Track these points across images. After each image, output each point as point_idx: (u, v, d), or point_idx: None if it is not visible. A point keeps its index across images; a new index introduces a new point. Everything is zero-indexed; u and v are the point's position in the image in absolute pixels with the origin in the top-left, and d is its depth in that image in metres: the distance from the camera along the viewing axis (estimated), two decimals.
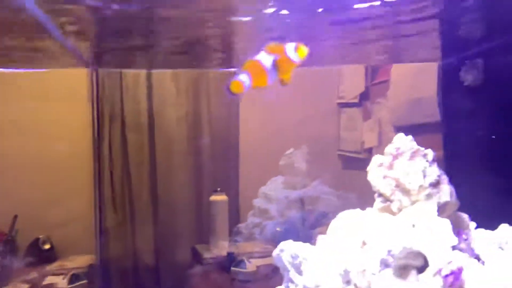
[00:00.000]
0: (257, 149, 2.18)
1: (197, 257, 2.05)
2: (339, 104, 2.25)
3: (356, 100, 2.13)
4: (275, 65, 0.66)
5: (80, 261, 2.01)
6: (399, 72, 1.87)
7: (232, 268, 1.86)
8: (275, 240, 0.99)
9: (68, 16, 0.89)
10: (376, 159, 0.81)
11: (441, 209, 0.77)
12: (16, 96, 1.86)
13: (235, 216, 2.09)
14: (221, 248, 1.97)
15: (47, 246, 2.07)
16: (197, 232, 2.22)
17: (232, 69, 1.91)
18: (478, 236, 0.79)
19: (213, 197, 2.07)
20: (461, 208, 0.79)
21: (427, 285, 0.66)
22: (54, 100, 1.90)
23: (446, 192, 0.77)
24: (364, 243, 0.75)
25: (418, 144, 0.79)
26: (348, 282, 0.73)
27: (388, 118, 1.89)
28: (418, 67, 1.67)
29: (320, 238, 0.92)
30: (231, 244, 1.96)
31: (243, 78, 0.66)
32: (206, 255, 2.02)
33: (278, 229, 0.97)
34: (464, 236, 0.79)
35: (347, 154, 1.97)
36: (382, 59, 1.71)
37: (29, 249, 2.04)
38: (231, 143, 2.21)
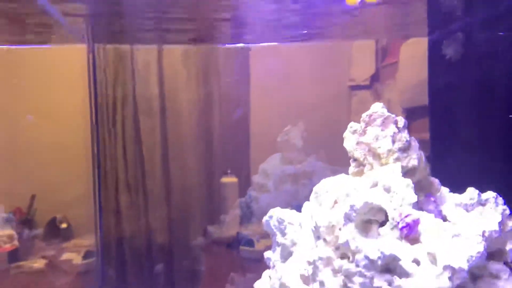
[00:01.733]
0: (267, 131, 2.27)
1: (208, 237, 2.18)
2: (350, 87, 2.32)
3: (367, 83, 2.20)
4: None
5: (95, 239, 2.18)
6: (407, 53, 1.92)
7: (241, 247, 1.99)
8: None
9: None
10: (350, 126, 0.90)
11: (411, 173, 0.86)
12: (26, 76, 2.00)
13: (245, 201, 2.20)
14: (231, 228, 2.10)
15: (63, 225, 2.26)
16: (209, 213, 2.35)
17: (242, 44, 2.01)
18: (448, 199, 0.87)
19: (224, 179, 2.19)
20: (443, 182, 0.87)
21: (386, 237, 0.76)
22: (64, 80, 2.04)
23: (414, 157, 0.86)
24: (335, 202, 0.85)
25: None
26: (318, 237, 0.84)
27: (397, 100, 1.95)
28: (426, 49, 1.72)
29: (304, 204, 1.03)
30: (241, 224, 2.09)
31: None
32: (217, 235, 2.14)
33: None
34: (432, 199, 0.88)
35: None
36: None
37: (46, 228, 2.23)
38: (241, 126, 2.32)
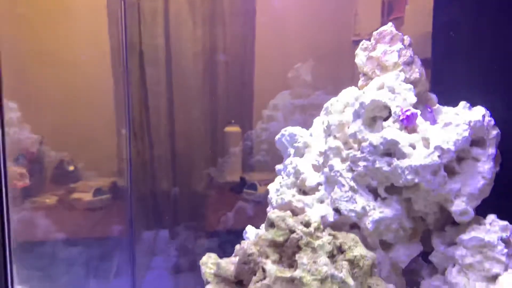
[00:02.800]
0: (271, 82, 2.40)
1: (212, 183, 2.35)
2: (354, 41, 2.46)
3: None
4: None
5: (103, 181, 2.35)
6: (413, 8, 2.06)
7: (244, 190, 2.16)
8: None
9: None
10: (362, 43, 1.07)
11: (413, 84, 1.03)
12: (38, 23, 2.08)
13: (249, 146, 2.36)
14: (234, 174, 2.27)
15: (71, 168, 2.42)
16: (212, 162, 2.50)
17: None
18: (444, 111, 1.05)
19: (227, 128, 2.34)
20: None
21: (388, 128, 0.93)
22: (75, 21, 2.12)
23: (416, 71, 1.02)
24: (344, 107, 1.02)
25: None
26: (329, 135, 1.01)
27: None
28: (431, 4, 1.86)
29: (314, 120, 1.20)
30: (244, 171, 2.25)
31: None
32: (221, 180, 2.31)
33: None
34: (429, 109, 1.05)
35: None
36: None
37: (54, 170, 2.38)
38: (246, 76, 2.44)
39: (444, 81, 1.34)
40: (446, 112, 1.04)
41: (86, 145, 2.36)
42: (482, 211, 0.97)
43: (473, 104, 1.04)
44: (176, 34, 2.31)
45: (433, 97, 1.09)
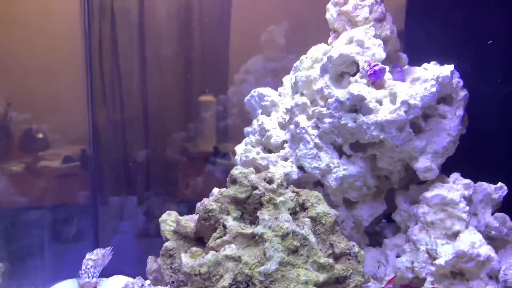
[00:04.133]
0: (247, 47, 2.34)
1: (185, 153, 2.32)
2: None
3: None
4: None
5: (72, 149, 2.29)
6: None
7: (218, 160, 2.14)
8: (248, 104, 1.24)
9: None
10: None
11: (384, 43, 1.01)
12: None
13: (222, 115, 2.32)
14: (208, 144, 2.24)
15: (40, 135, 2.35)
16: (186, 131, 2.46)
17: None
18: (413, 71, 1.03)
19: (202, 98, 2.30)
20: None
21: (355, 84, 0.92)
22: None
23: (387, 27, 1.00)
24: (313, 63, 1.00)
25: None
26: (296, 92, 0.99)
27: None
28: None
29: (284, 78, 1.17)
30: (217, 142, 2.23)
31: None
32: (194, 150, 2.28)
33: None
34: (399, 69, 1.03)
35: None
36: None
37: (22, 137, 2.31)
38: (222, 44, 2.38)
39: (418, 41, 1.33)
40: (416, 72, 1.03)
41: (55, 111, 2.31)
42: (447, 170, 0.97)
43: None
44: None
45: (404, 57, 1.07)
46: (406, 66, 1.06)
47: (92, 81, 2.15)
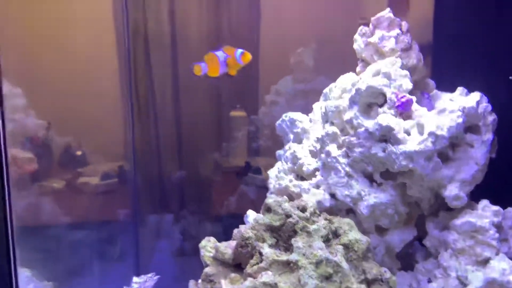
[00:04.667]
0: (277, 67, 2.41)
1: (217, 167, 2.39)
2: (360, 25, 2.45)
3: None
4: (226, 62, 1.01)
5: (110, 166, 2.40)
6: None
7: (250, 174, 2.20)
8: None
9: None
10: (360, 29, 1.08)
11: (410, 71, 1.04)
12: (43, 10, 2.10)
13: (253, 131, 2.39)
14: (239, 159, 2.31)
15: (79, 152, 2.48)
16: (218, 146, 2.54)
17: None
18: (442, 96, 1.06)
19: (233, 113, 2.37)
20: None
21: (383, 115, 0.96)
22: (81, 6, 2.14)
23: (414, 57, 1.04)
24: (342, 93, 1.04)
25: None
26: (326, 121, 1.04)
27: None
28: None
29: (314, 105, 1.22)
30: (249, 156, 2.30)
31: (203, 66, 1.03)
32: (226, 164, 2.35)
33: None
34: (426, 96, 1.07)
35: None
36: None
37: (62, 155, 2.44)
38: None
39: (445, 67, 1.35)
40: (444, 98, 1.06)
41: (93, 130, 2.40)
42: (477, 196, 0.99)
43: (473, 90, 1.05)
44: (181, 18, 2.33)
45: (431, 83, 1.10)
46: (434, 91, 1.09)
47: (130, 100, 2.24)
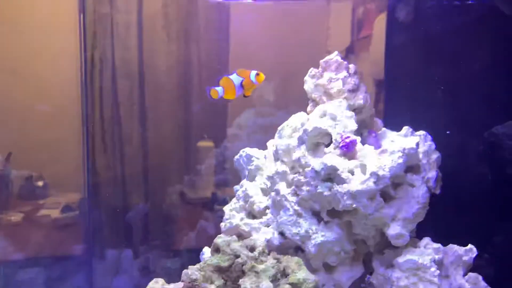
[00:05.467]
0: (243, 99, 2.45)
1: (184, 199, 2.39)
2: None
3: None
4: (242, 84, 1.06)
5: (71, 197, 2.37)
6: (380, 27, 2.16)
7: (216, 206, 2.21)
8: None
9: None
10: (310, 71, 1.14)
11: (357, 111, 1.10)
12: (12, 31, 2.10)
13: (221, 161, 2.41)
14: (206, 190, 2.32)
15: (40, 183, 2.44)
16: (185, 176, 2.54)
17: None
18: (388, 135, 1.12)
19: (200, 143, 2.39)
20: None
21: (329, 155, 1.00)
22: (40, 34, 2.15)
23: (361, 97, 1.09)
24: (292, 132, 1.09)
25: None
26: (277, 159, 1.08)
27: (369, 72, 2.19)
28: None
29: (268, 142, 1.26)
30: (216, 187, 2.31)
31: (219, 89, 1.07)
32: (192, 196, 2.35)
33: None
34: (373, 134, 1.12)
35: None
36: None
37: (23, 186, 2.40)
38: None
39: (397, 101, 1.43)
40: (390, 137, 1.11)
41: (56, 160, 2.38)
42: (422, 232, 1.04)
43: (423, 124, 1.12)
44: (150, 48, 2.36)
45: (379, 122, 1.16)
46: (382, 130, 1.15)
47: (88, 130, 2.22)
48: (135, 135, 2.51)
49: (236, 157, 1.27)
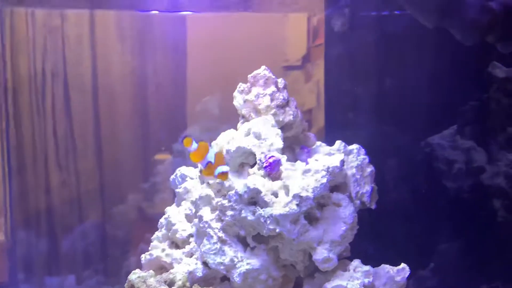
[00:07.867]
0: (204, 105, 2.38)
1: (142, 214, 2.31)
2: (284, 67, 2.51)
3: (299, 63, 2.41)
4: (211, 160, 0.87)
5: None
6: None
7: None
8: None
9: None
10: (239, 86, 1.08)
11: (288, 127, 1.05)
12: None
13: None
14: (164, 204, 2.25)
15: None
16: (143, 191, 2.46)
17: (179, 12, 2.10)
18: (321, 150, 1.07)
19: (158, 156, 2.32)
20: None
21: (254, 176, 0.95)
22: None
23: (290, 113, 1.05)
24: (221, 150, 1.03)
25: None
26: (203, 182, 1.02)
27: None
28: None
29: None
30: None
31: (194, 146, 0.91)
32: (151, 211, 2.27)
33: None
34: (305, 150, 1.08)
35: None
36: None
37: None
38: (178, 103, 2.43)
39: (337, 113, 1.39)
40: (323, 152, 1.07)
41: None
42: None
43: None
44: (103, 60, 2.29)
45: (311, 136, 1.12)
46: (315, 145, 1.10)
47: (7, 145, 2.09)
48: (90, 150, 2.42)
49: (172, 176, 1.20)
